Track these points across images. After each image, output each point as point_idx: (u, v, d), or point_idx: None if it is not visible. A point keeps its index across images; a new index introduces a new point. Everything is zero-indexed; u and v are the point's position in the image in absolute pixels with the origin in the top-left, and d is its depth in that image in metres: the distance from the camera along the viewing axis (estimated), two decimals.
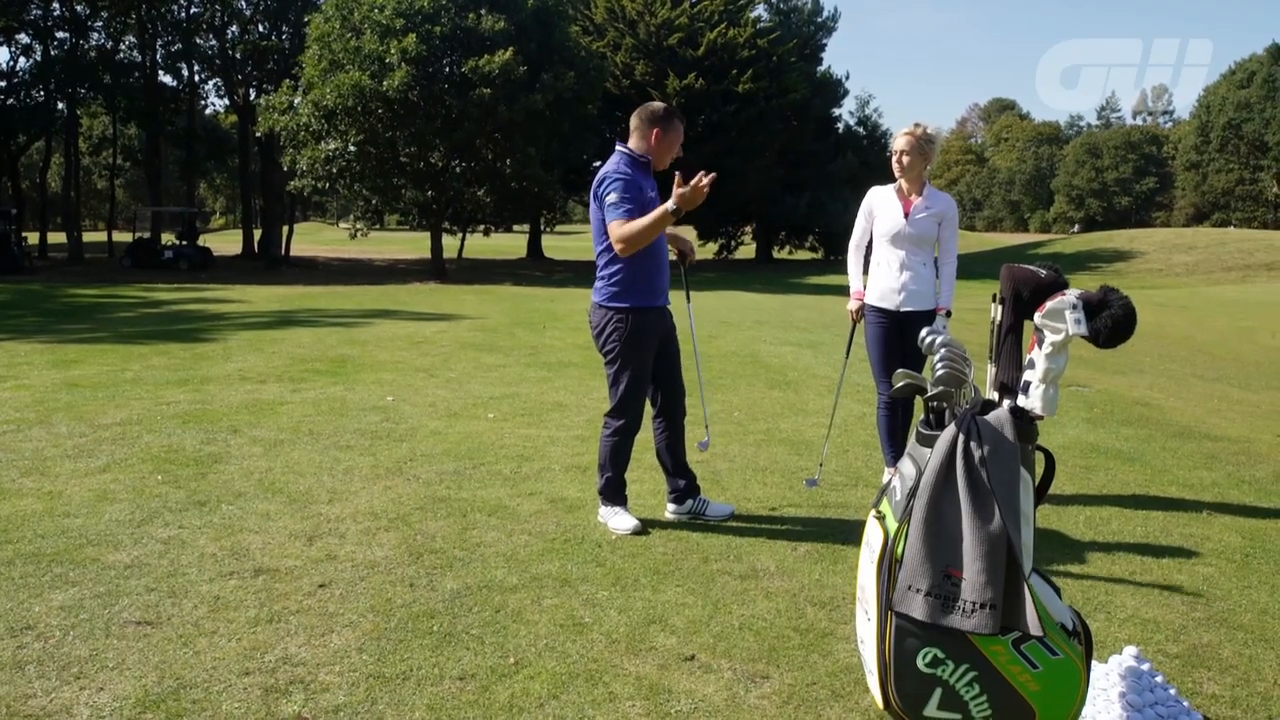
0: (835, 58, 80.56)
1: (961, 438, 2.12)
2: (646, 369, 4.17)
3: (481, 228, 38.87)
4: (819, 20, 40.84)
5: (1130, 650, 2.64)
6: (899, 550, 2.16)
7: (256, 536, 3.99)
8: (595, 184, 4.10)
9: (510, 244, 50.01)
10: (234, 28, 36.40)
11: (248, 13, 35.75)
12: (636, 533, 4.09)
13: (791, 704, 2.67)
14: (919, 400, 4.78)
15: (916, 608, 2.13)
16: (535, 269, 36.43)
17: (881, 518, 2.28)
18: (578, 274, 32.07)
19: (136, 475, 4.89)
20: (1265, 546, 4.10)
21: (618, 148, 4.15)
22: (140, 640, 3.01)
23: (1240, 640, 3.13)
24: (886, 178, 4.70)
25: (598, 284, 4.20)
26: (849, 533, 4.15)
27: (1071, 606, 2.32)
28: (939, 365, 2.16)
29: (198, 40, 36.26)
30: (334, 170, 23.35)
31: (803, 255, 48.57)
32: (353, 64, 22.04)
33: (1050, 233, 77.23)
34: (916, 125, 4.48)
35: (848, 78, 46.66)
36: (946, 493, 2.12)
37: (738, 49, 34.03)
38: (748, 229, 45.77)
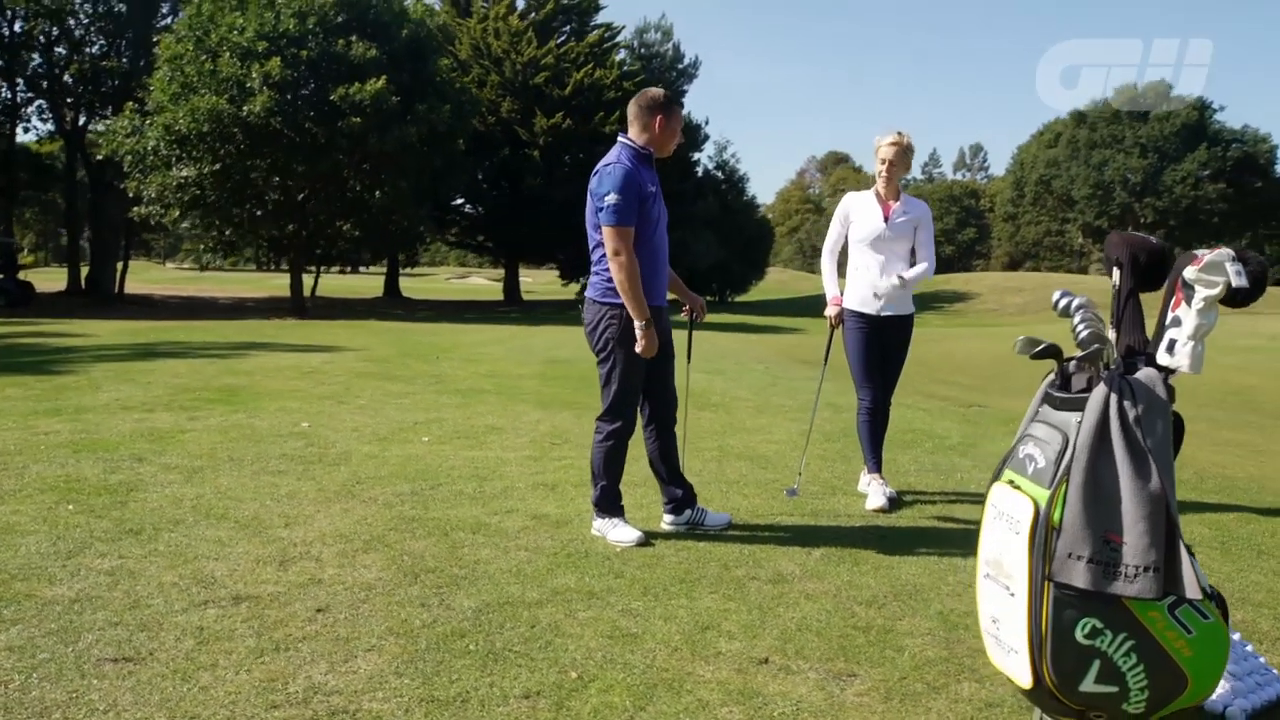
0: (694, 104, 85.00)
1: (1114, 397, 2.06)
2: (641, 369, 3.98)
3: (337, 267, 37.45)
4: (680, 67, 41.97)
5: None
6: (1055, 517, 2.07)
7: (218, 563, 3.52)
8: (594, 175, 3.90)
9: (361, 285, 48.15)
10: (63, 47, 33.60)
11: (79, 33, 33.05)
12: (641, 544, 3.86)
13: (894, 699, 2.53)
14: (895, 406, 4.78)
15: (1078, 576, 2.03)
16: (396, 307, 35.24)
17: (1018, 487, 2.18)
18: (440, 312, 31.18)
19: (41, 506, 4.26)
20: (1233, 535, 4.31)
21: (620, 139, 3.96)
22: (126, 678, 2.55)
23: (1269, 616, 3.23)
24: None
25: (593, 279, 3.99)
26: (855, 537, 4.08)
27: None
28: (1081, 325, 2.11)
29: (22, 55, 33.15)
30: (185, 198, 21.82)
31: None
32: (208, 88, 20.77)
33: None
34: (900, 135, 4.52)
35: (707, 123, 48.08)
36: (1102, 455, 2.05)
37: (604, 90, 34.37)
38: None
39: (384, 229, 26.11)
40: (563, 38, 37.07)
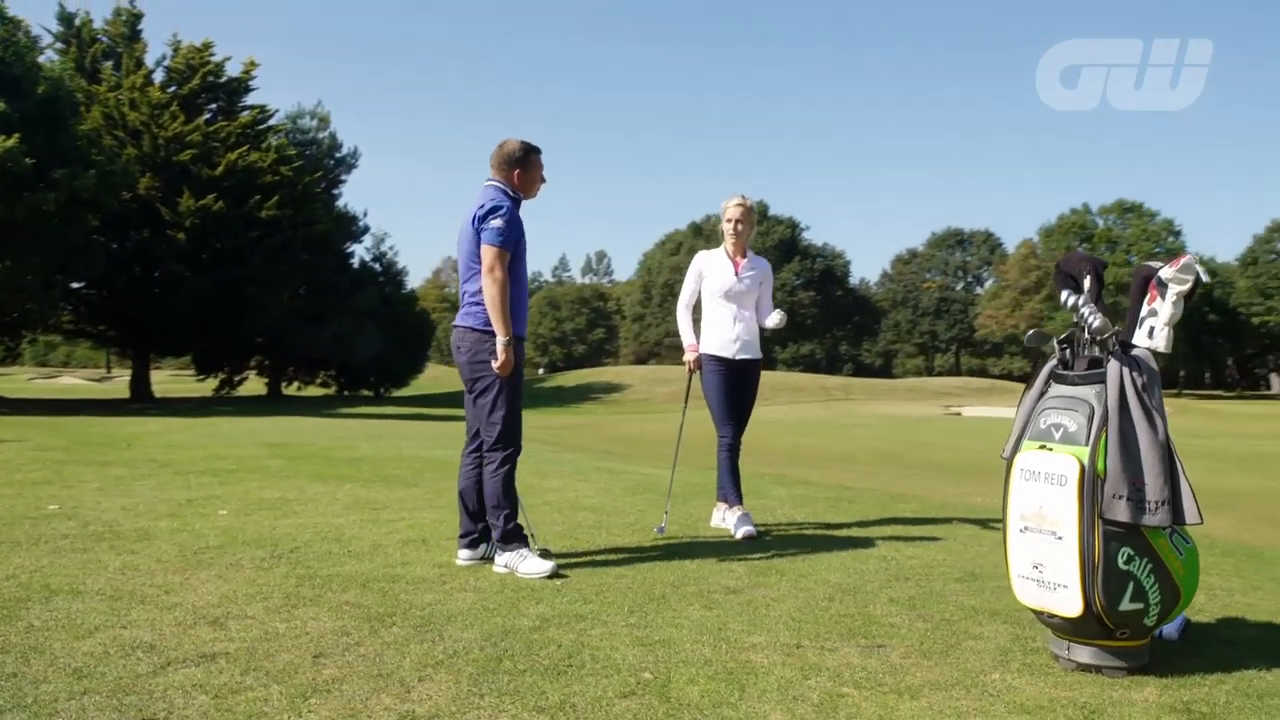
0: (352, 196, 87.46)
1: (1126, 370, 2.63)
2: (521, 393, 4.11)
3: None
4: (338, 155, 41.00)
5: None
6: (1100, 467, 2.57)
7: (135, 631, 2.98)
8: (477, 209, 4.02)
9: None
10: None
11: None
12: (554, 575, 3.85)
13: (934, 655, 2.86)
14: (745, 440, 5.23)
15: (1121, 512, 2.55)
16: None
17: (1050, 450, 2.67)
18: (57, 410, 26.85)
19: None
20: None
21: (490, 181, 4.13)
22: None
23: None
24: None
25: (473, 309, 4.07)
26: (759, 556, 4.40)
27: None
28: (1092, 316, 2.68)
29: None
30: None
31: (313, 391, 46.40)
32: None
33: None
34: (745, 197, 5.10)
35: (366, 215, 47.21)
36: (1123, 415, 2.60)
37: (260, 174, 32.56)
38: (252, 362, 42.51)
39: None
40: (211, 114, 34.70)
